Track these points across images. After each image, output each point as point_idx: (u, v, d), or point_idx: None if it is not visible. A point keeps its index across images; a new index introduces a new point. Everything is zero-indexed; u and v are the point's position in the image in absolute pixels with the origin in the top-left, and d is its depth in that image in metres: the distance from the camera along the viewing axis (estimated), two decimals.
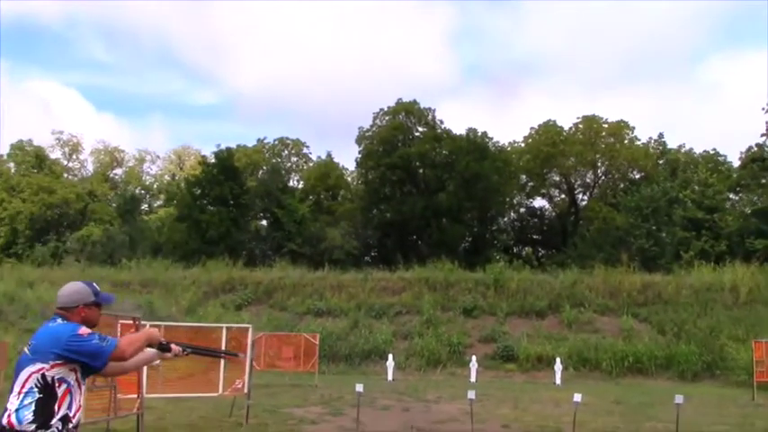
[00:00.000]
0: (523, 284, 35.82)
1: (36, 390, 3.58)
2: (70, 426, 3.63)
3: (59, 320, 3.78)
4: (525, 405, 18.39)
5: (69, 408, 3.64)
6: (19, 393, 3.57)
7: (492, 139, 55.47)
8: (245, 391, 13.49)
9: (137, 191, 62.55)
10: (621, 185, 56.37)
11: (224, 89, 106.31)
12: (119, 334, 7.82)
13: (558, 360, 28.25)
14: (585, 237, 51.17)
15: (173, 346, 4.13)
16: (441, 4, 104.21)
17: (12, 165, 58.78)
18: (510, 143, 58.71)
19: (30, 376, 3.60)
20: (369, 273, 38.88)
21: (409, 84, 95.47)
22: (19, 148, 58.60)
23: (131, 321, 9.30)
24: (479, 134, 54.13)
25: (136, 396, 9.51)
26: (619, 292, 34.74)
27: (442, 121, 55.04)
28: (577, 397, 12.62)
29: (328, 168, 59.23)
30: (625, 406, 18.73)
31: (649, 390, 24.96)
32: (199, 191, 50.05)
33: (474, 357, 29.35)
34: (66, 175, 60.63)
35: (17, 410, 3.53)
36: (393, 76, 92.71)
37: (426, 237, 51.59)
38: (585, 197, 59.42)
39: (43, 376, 3.59)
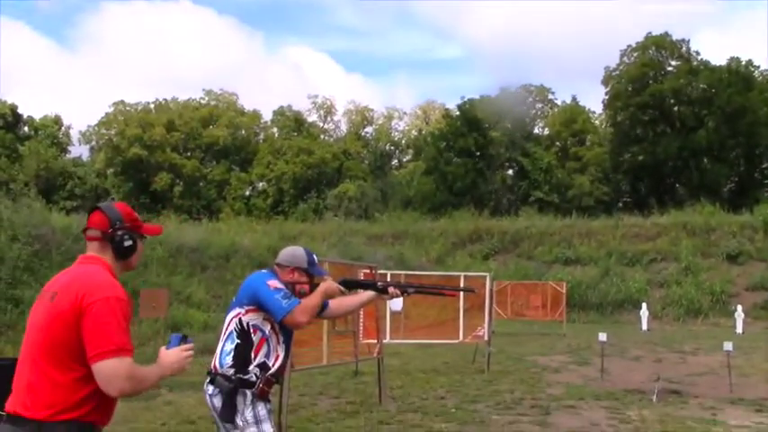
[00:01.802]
0: None
1: (235, 334, 3.74)
2: (268, 374, 3.73)
3: (264, 271, 3.90)
4: None
5: (267, 356, 3.73)
6: (223, 337, 3.79)
7: (759, 67, 50.20)
8: (486, 338, 13.57)
9: (386, 147, 65.15)
10: None
11: (465, 41, 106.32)
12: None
13: None
14: None
15: (390, 288, 4.14)
16: None
17: (275, 130, 64.08)
18: None
19: (231, 321, 3.78)
20: (619, 219, 37.31)
21: (659, 15, 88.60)
22: (280, 114, 63.71)
23: (368, 270, 9.69)
24: (743, 63, 49.13)
25: (375, 341, 9.94)
26: None
27: (698, 53, 51.19)
28: None
29: (574, 113, 57.13)
30: None
31: None
32: (444, 144, 51.05)
33: (740, 307, 26.97)
34: (322, 136, 64.73)
35: (220, 355, 3.75)
36: (640, 9, 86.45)
37: (684, 179, 48.36)
38: None
39: (240, 321, 3.74)
